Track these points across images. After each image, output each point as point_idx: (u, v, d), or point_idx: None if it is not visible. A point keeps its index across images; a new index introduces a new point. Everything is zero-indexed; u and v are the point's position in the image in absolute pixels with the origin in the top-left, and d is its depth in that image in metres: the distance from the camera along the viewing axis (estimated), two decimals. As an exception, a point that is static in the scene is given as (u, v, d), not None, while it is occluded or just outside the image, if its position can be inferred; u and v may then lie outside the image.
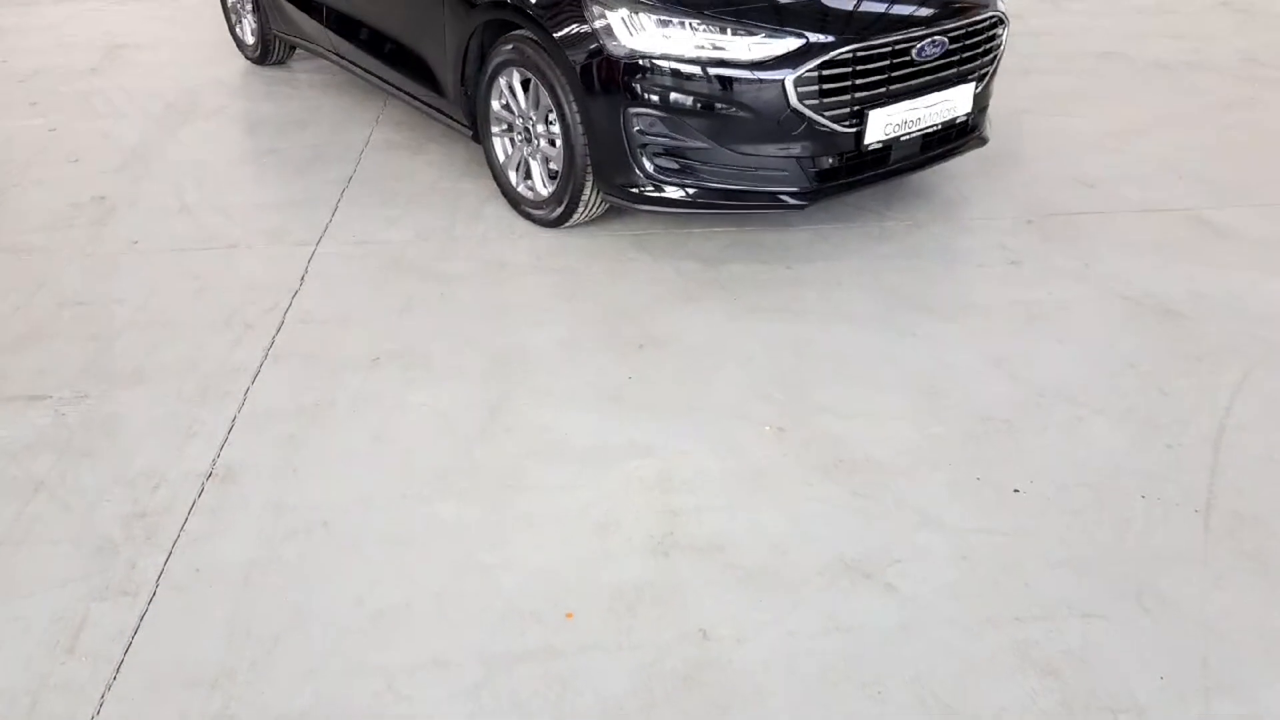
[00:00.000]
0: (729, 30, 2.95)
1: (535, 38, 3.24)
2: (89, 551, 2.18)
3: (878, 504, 2.30)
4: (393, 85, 4.11)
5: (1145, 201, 3.75)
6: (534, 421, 2.58)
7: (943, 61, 3.19)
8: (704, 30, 2.96)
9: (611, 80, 3.03)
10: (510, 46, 3.33)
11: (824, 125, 3.03)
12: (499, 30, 3.44)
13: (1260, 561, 2.15)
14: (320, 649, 1.95)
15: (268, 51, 5.16)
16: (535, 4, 3.18)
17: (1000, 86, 3.76)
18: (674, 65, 2.97)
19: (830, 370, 2.78)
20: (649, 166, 3.13)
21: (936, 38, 3.12)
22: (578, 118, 3.16)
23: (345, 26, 4.31)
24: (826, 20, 3.00)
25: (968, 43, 3.25)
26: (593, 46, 3.04)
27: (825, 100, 3.01)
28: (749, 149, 3.07)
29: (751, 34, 2.95)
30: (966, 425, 2.56)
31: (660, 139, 3.08)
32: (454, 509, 2.30)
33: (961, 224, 3.58)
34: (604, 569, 2.13)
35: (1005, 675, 1.89)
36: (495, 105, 3.54)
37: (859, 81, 3.03)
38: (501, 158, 3.63)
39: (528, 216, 3.59)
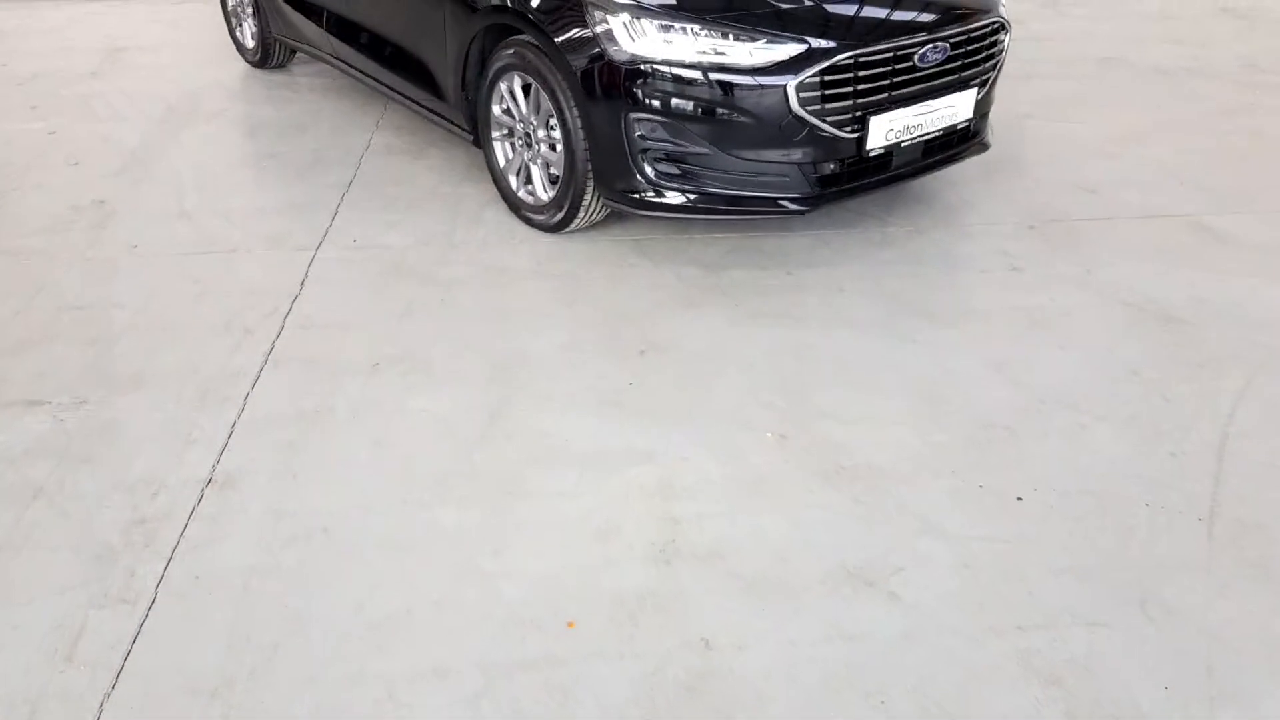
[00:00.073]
0: (730, 35, 2.94)
1: (536, 42, 3.23)
2: (88, 558, 2.17)
3: (879, 511, 2.29)
4: (393, 89, 4.10)
5: (1146, 207, 3.75)
6: (534, 427, 2.58)
7: (944, 67, 3.19)
8: (705, 35, 2.95)
9: (613, 85, 3.03)
10: (511, 51, 3.33)
11: (825, 131, 3.03)
12: (500, 35, 3.43)
13: (1264, 570, 2.14)
14: (320, 657, 1.94)
15: (268, 55, 5.16)
16: (536, 9, 3.18)
17: (1001, 91, 3.76)
18: (675, 70, 2.97)
19: (831, 376, 2.77)
20: (650, 172, 3.12)
21: (938, 43, 3.12)
22: (579, 123, 3.16)
23: (346, 30, 4.30)
24: (828, 26, 3.00)
25: (969, 48, 3.24)
26: (594, 51, 3.03)
27: (827, 106, 3.00)
28: (750, 154, 3.06)
29: (753, 39, 2.94)
30: (968, 431, 2.55)
31: (661, 144, 3.08)
32: (454, 515, 2.29)
33: (963, 230, 3.57)
34: (605, 576, 2.12)
35: (1008, 685, 1.88)
36: (496, 110, 3.53)
37: (861, 87, 3.03)
38: (502, 162, 3.63)
39: (528, 221, 3.58)
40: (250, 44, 5.24)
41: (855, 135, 3.08)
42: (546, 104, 3.27)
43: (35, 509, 2.31)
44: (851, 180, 3.21)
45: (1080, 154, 4.21)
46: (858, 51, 2.96)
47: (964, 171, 3.93)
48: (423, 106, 3.94)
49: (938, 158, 3.42)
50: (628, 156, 3.10)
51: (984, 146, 3.60)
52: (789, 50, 2.94)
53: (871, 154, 3.15)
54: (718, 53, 2.95)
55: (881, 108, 3.09)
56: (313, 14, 4.51)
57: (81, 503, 2.33)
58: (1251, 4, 6.56)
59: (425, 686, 1.88)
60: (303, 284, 3.24)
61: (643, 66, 2.98)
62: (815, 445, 2.50)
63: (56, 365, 2.83)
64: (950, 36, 3.15)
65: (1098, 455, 2.47)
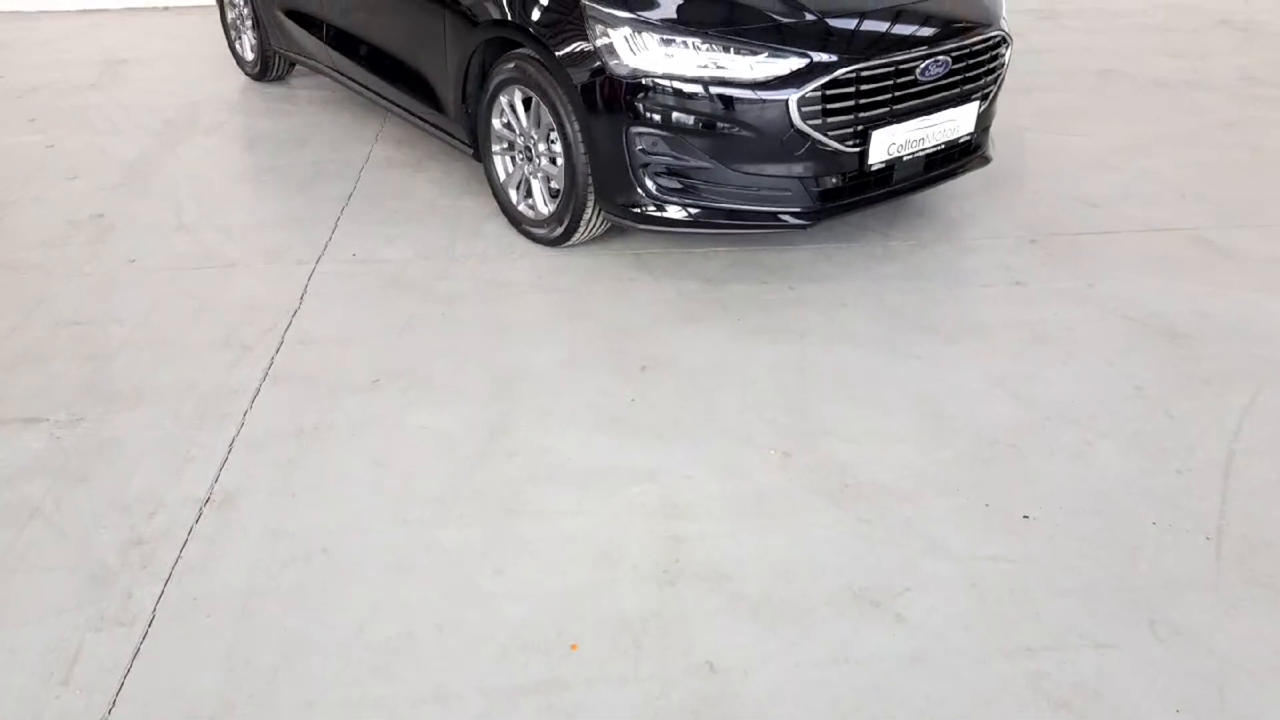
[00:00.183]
0: (732, 49, 2.93)
1: (537, 56, 3.22)
2: (84, 580, 2.14)
3: (885, 530, 2.27)
4: (393, 102, 4.09)
5: (1148, 221, 3.74)
6: (535, 444, 2.55)
7: (946, 81, 3.18)
8: (707, 49, 2.94)
9: (613, 99, 3.02)
10: (512, 65, 3.32)
11: (827, 145, 3.02)
12: (500, 48, 3.42)
13: (1274, 589, 2.12)
14: (320, 680, 1.92)
15: (267, 68, 5.15)
16: (537, 22, 3.17)
17: (1002, 104, 3.75)
18: (676, 84, 2.96)
19: (834, 392, 2.75)
20: (651, 186, 3.11)
21: (940, 57, 3.11)
22: (579, 136, 3.15)
23: (345, 43, 4.30)
24: (830, 40, 2.99)
25: (971, 62, 3.23)
26: (595, 65, 3.02)
27: (829, 120, 2.99)
28: (752, 169, 3.05)
29: (754, 53, 2.93)
30: (973, 449, 2.53)
31: (662, 158, 3.06)
32: (455, 534, 2.27)
33: (965, 244, 3.56)
34: (608, 598, 2.09)
35: (1017, 708, 1.85)
36: (496, 123, 3.52)
37: (862, 101, 3.02)
38: (502, 176, 3.61)
39: (528, 235, 3.57)
40: (249, 57, 5.23)
41: (857, 149, 3.07)
42: (547, 118, 3.26)
43: (32, 529, 2.28)
44: (853, 194, 3.20)
45: (1081, 167, 4.20)
46: (859, 66, 2.96)
47: (965, 185, 3.92)
48: (422, 120, 3.93)
49: (939, 171, 3.41)
50: (629, 170, 3.09)
51: (985, 160, 3.59)
52: (790, 64, 2.93)
53: (873, 168, 3.14)
54: (719, 67, 2.94)
55: (883, 122, 3.08)
56: (312, 27, 4.50)
57: (78, 522, 2.30)
58: (1249, 17, 6.57)
59: (427, 711, 1.85)
60: (302, 299, 3.22)
61: (644, 80, 2.97)
62: (819, 463, 2.48)
63: (54, 382, 2.81)
64: (951, 50, 3.14)
65: (1103, 473, 2.45)
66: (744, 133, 2.99)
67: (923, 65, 3.08)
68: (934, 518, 2.30)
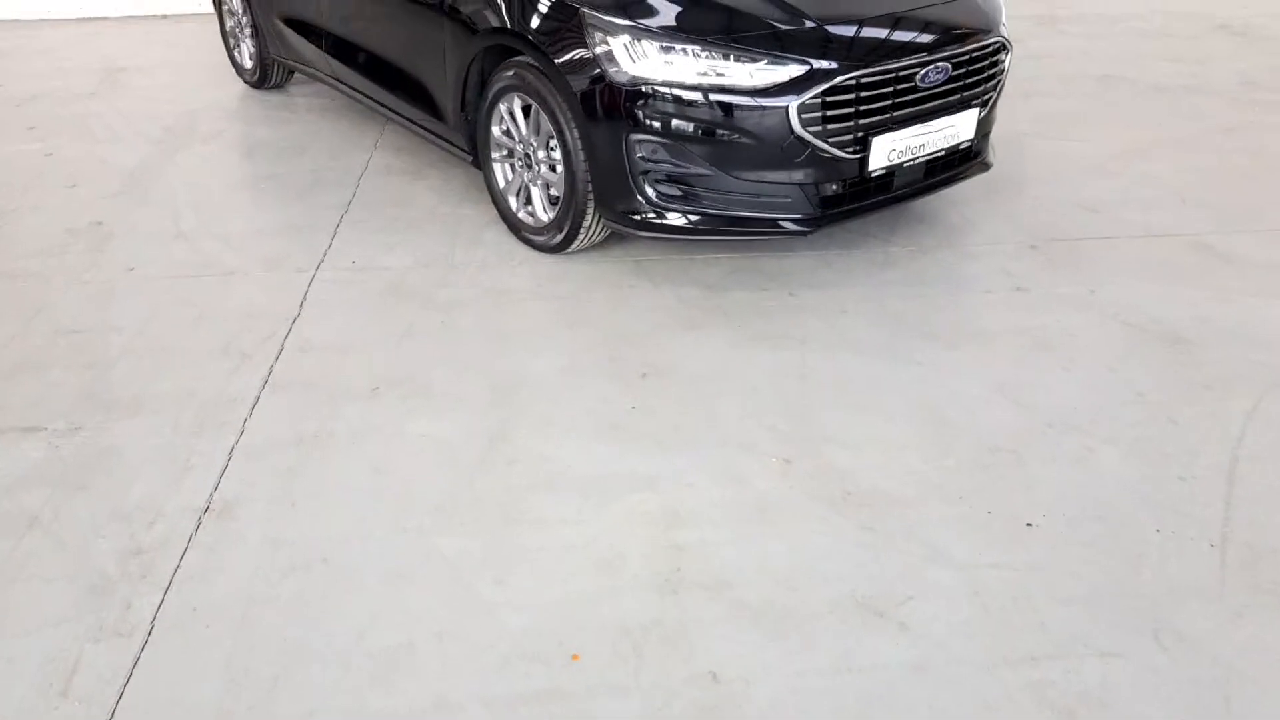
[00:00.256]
0: (732, 57, 2.93)
1: (536, 64, 3.22)
2: (83, 590, 2.13)
3: (887, 538, 2.26)
4: (392, 110, 4.09)
5: (1148, 226, 3.73)
6: (536, 452, 2.55)
7: (946, 88, 3.18)
8: (706, 57, 2.94)
9: (613, 106, 3.01)
10: (511, 72, 3.32)
11: (828, 152, 3.01)
12: (500, 56, 3.42)
13: (1278, 596, 2.11)
14: (320, 690, 1.91)
15: (266, 76, 5.15)
16: (536, 30, 3.17)
17: (1001, 110, 3.74)
18: (676, 92, 2.95)
19: (835, 399, 2.74)
20: (651, 193, 3.10)
21: (940, 64, 3.11)
22: (579, 144, 3.14)
23: (344, 51, 4.29)
24: (830, 47, 2.98)
25: (971, 69, 3.23)
26: (594, 73, 3.02)
27: (829, 127, 2.99)
28: (752, 176, 3.05)
29: (754, 60, 2.93)
30: (975, 456, 2.52)
31: (662, 165, 3.06)
32: (455, 543, 2.26)
33: (966, 250, 3.56)
34: (609, 606, 2.08)
35: (1021, 718, 1.84)
36: (496, 131, 3.52)
37: (863, 108, 3.02)
38: (502, 183, 3.61)
39: (528, 242, 3.56)
40: (248, 65, 5.23)
41: (857, 156, 3.07)
42: (546, 125, 3.26)
43: (30, 538, 2.27)
44: (853, 201, 3.20)
45: (1081, 172, 4.20)
46: (859, 72, 2.95)
47: (966, 191, 3.92)
48: (422, 127, 3.93)
49: (940, 178, 3.41)
50: (629, 178, 3.09)
51: (986, 166, 3.59)
52: (790, 71, 2.93)
53: (873, 174, 3.14)
54: (719, 74, 2.94)
55: (883, 128, 3.08)
56: (311, 35, 4.50)
57: (77, 532, 2.29)
58: (1247, 21, 6.57)
59: (427, 721, 1.84)
60: (301, 306, 3.21)
61: (643, 88, 2.97)
62: (820, 470, 2.47)
63: (52, 390, 2.80)
64: (952, 57, 3.14)
65: (1106, 479, 2.44)
66: (744, 140, 2.98)
67: (923, 72, 3.07)
68: (936, 525, 2.29)
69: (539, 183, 3.44)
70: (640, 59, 2.96)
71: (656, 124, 3.00)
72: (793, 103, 2.92)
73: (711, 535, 2.27)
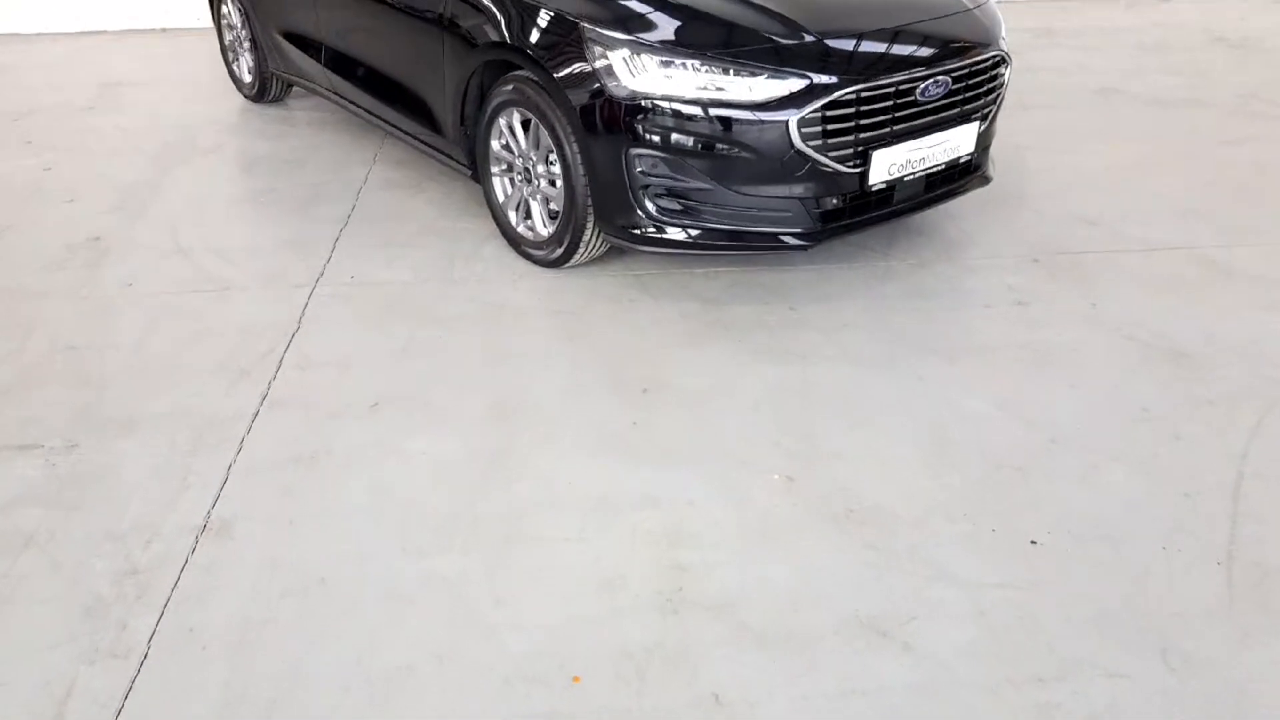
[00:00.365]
0: (731, 71, 2.92)
1: (536, 78, 3.21)
2: (78, 611, 2.10)
3: (891, 557, 2.24)
4: (391, 124, 4.08)
5: (1149, 240, 3.72)
6: (536, 470, 2.52)
7: (946, 101, 3.17)
8: (706, 71, 2.93)
9: (613, 121, 3.00)
10: (510, 87, 3.31)
11: (828, 166, 3.00)
12: (499, 70, 3.41)
13: (1285, 616, 2.09)
14: (318, 714, 1.88)
15: (265, 90, 5.14)
16: (536, 44, 3.16)
17: (1000, 123, 3.74)
18: (676, 106, 2.95)
19: (838, 415, 2.73)
20: (651, 207, 3.09)
21: (940, 77, 3.10)
22: (579, 158, 3.13)
23: (343, 65, 4.29)
24: (830, 61, 2.98)
25: (971, 82, 3.23)
26: (594, 87, 3.01)
27: (829, 141, 2.98)
28: (752, 190, 3.04)
29: (754, 75, 2.92)
30: (979, 473, 2.50)
31: (662, 180, 3.05)
32: (455, 563, 2.23)
33: (966, 264, 3.54)
34: (611, 627, 2.06)
35: (1029, 740, 1.82)
36: (495, 145, 3.51)
37: (863, 122, 3.01)
38: (501, 197, 3.60)
39: (527, 257, 3.55)
40: (247, 79, 5.23)
41: (857, 170, 3.06)
42: (546, 139, 3.25)
43: (25, 559, 2.25)
44: (854, 215, 3.19)
45: (1081, 186, 4.19)
46: (860, 86, 2.95)
47: (966, 205, 3.91)
48: (421, 141, 3.92)
49: (940, 191, 3.40)
50: (628, 192, 3.08)
51: (986, 180, 3.58)
52: (790, 85, 2.92)
53: (874, 188, 3.13)
54: (718, 88, 2.93)
55: (883, 142, 3.07)
56: (310, 49, 4.49)
57: (72, 552, 2.27)
58: (1245, 34, 6.58)
59: (427, 746, 1.82)
60: (300, 322, 3.19)
61: (643, 102, 2.96)
62: (823, 487, 2.45)
63: (48, 408, 2.78)
64: (952, 70, 3.13)
65: (1111, 497, 2.42)
66: (744, 154, 2.97)
67: (923, 86, 3.07)
68: (941, 544, 2.27)
69: (538, 197, 3.43)
70: (640, 73, 2.95)
71: (656, 138, 2.99)
72: (793, 117, 2.91)
73: (714, 555, 2.25)
